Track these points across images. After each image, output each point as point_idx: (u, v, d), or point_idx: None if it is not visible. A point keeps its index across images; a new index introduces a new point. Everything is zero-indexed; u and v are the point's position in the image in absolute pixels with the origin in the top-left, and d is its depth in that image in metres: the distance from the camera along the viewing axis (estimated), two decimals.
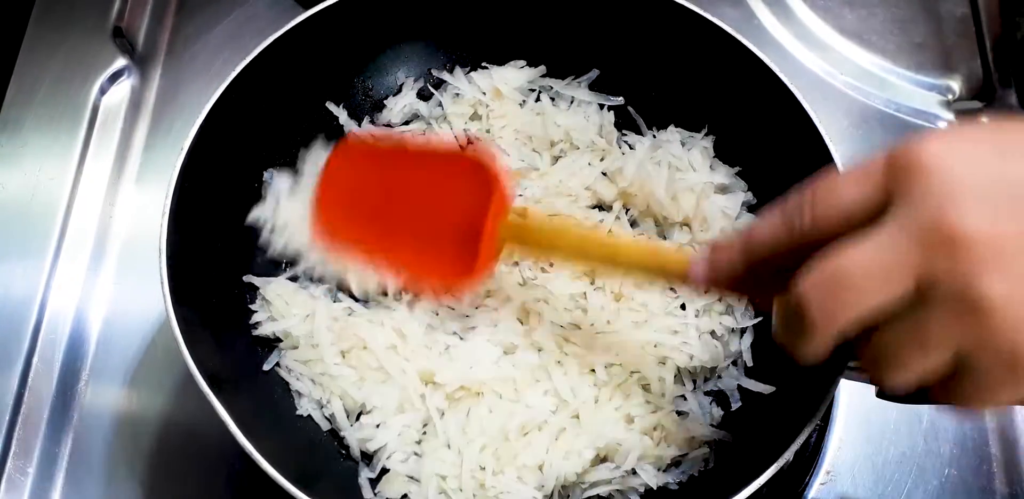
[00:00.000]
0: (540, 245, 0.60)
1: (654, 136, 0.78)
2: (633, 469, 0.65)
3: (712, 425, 0.68)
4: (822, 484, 0.73)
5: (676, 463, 0.67)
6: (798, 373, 0.60)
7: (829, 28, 0.94)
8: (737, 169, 0.76)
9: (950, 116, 0.90)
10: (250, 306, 0.71)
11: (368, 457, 0.67)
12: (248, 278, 0.71)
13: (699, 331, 0.70)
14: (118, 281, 0.80)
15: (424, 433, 0.67)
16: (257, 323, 0.70)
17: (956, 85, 0.91)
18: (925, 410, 0.75)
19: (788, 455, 0.56)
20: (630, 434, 0.66)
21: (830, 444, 0.74)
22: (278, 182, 0.72)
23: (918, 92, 0.91)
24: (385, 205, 0.64)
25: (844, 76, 0.92)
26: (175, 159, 0.64)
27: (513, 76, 0.79)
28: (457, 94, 0.80)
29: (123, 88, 0.89)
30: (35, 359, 0.75)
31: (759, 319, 0.70)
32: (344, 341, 0.68)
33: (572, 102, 0.80)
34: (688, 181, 0.74)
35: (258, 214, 0.70)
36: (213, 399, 0.57)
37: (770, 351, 0.69)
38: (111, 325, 0.78)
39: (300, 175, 0.71)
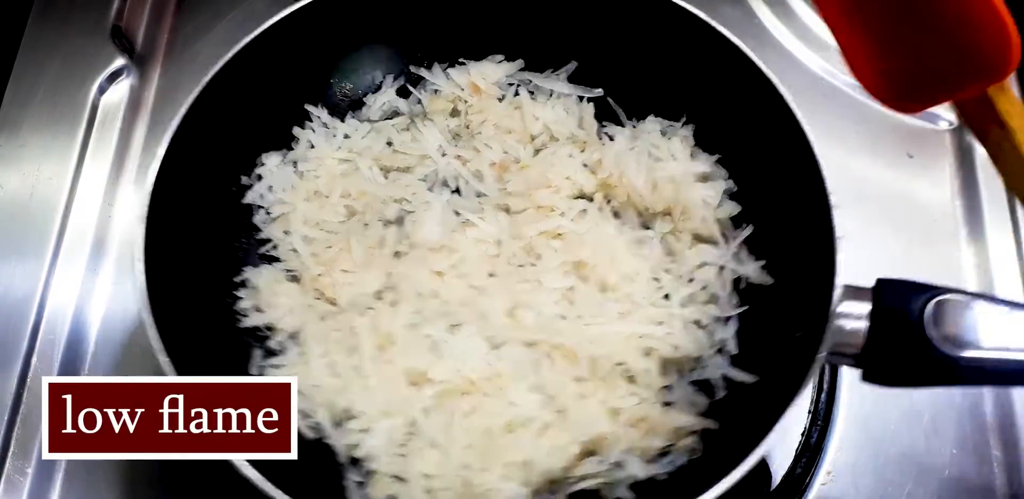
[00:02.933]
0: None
1: (634, 126, 0.78)
2: (619, 461, 0.64)
3: (699, 414, 0.67)
4: (823, 484, 0.72)
5: (664, 454, 0.65)
6: (780, 360, 0.60)
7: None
8: (717, 157, 0.75)
9: (951, 115, 0.90)
10: (235, 293, 0.71)
11: (355, 460, 0.66)
12: (242, 271, 0.71)
13: (684, 321, 0.69)
14: (117, 281, 0.80)
15: (410, 434, 0.66)
16: (244, 313, 0.70)
17: None
18: (926, 409, 0.75)
19: (768, 442, 0.55)
20: (615, 427, 0.65)
21: (830, 444, 0.74)
22: (271, 166, 0.74)
23: None
24: None
25: (844, 76, 0.91)
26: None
27: (491, 71, 0.79)
28: (436, 90, 0.79)
29: (122, 87, 0.89)
30: (34, 359, 0.75)
31: (745, 308, 0.70)
32: (331, 349, 0.67)
33: (551, 95, 0.79)
34: (668, 170, 0.73)
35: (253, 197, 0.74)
36: None
37: (755, 338, 0.68)
38: (110, 324, 0.77)
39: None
